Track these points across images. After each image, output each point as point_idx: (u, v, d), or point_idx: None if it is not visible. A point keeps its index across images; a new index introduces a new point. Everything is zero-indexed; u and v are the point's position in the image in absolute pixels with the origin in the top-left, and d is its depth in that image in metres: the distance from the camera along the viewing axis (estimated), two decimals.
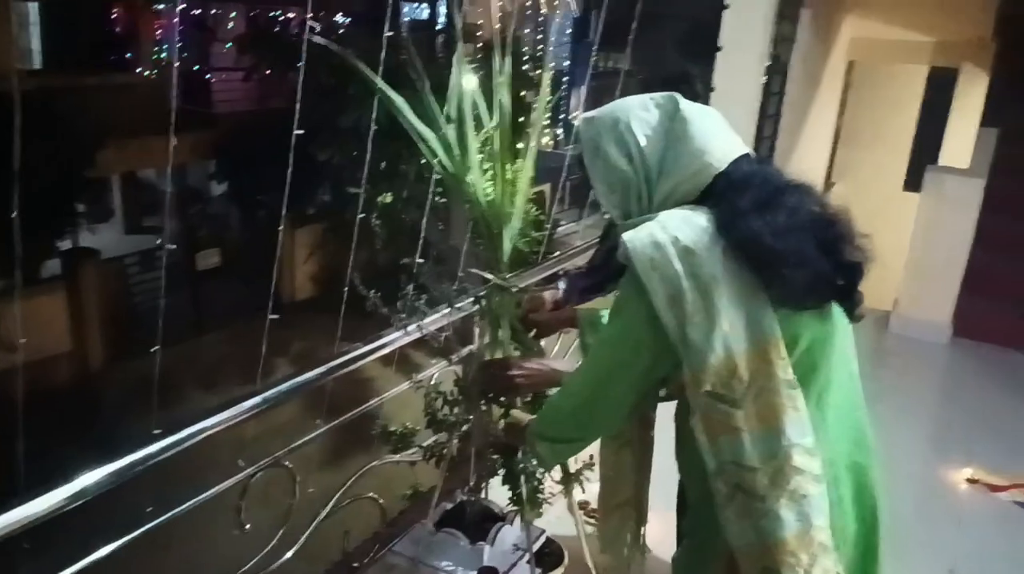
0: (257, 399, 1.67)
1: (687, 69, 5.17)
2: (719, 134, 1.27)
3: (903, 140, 8.52)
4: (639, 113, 1.29)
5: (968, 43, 6.65)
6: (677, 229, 1.18)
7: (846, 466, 1.27)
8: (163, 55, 11.68)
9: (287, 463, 1.82)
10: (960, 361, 4.67)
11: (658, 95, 1.30)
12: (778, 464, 1.17)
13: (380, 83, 1.69)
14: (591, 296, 2.22)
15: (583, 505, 2.45)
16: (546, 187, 6.45)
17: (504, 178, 1.74)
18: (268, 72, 10.15)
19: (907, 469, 3.36)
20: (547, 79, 1.98)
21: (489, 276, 1.76)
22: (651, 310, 1.18)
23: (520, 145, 1.84)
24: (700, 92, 4.87)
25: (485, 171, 1.76)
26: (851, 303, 1.26)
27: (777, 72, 5.28)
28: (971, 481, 3.36)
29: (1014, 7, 6.16)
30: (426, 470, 2.36)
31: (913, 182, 6.98)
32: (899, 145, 8.45)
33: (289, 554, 1.80)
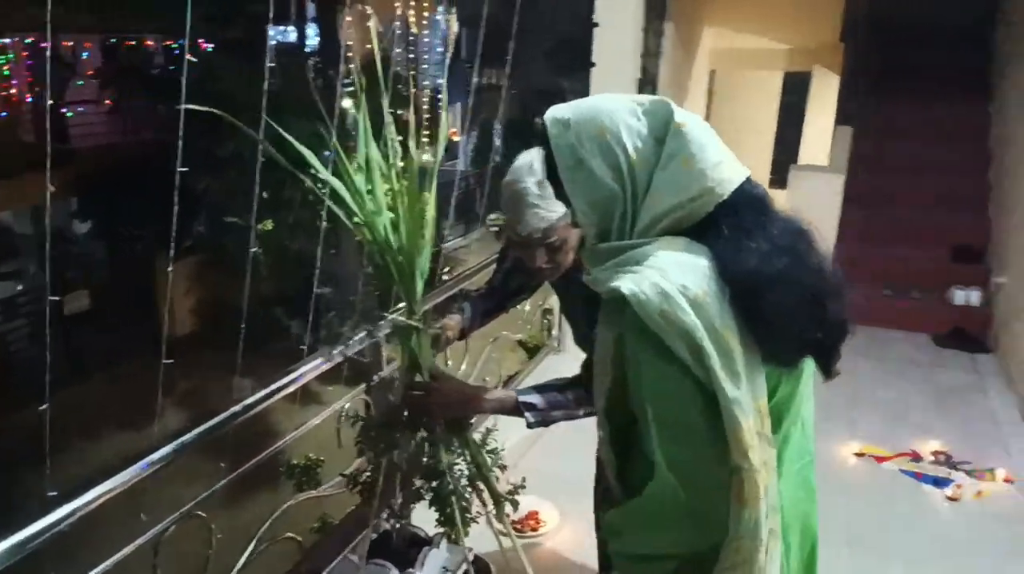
0: (166, 450, 1.59)
1: (564, 84, 5.30)
2: (718, 151, 1.09)
3: (766, 141, 9.07)
4: (628, 120, 1.09)
5: (818, 48, 7.17)
6: (681, 275, 1.03)
7: (795, 515, 1.22)
8: (13, 91, 10.95)
9: (200, 513, 1.74)
10: None
11: (645, 99, 1.12)
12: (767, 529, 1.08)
13: (310, 158, 1.64)
14: (495, 316, 2.25)
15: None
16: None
17: (412, 219, 1.70)
18: (131, 104, 9.71)
19: None
20: (445, 99, 1.96)
21: (406, 321, 1.75)
22: (675, 359, 1.03)
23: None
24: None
25: (392, 215, 1.74)
26: (829, 361, 1.14)
27: (648, 84, 5.51)
28: (859, 454, 3.60)
29: (859, 11, 6.68)
30: (335, 502, 2.33)
31: (778, 179, 7.45)
32: (762, 145, 8.99)
33: None
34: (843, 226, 5.44)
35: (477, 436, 2.13)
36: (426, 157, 1.99)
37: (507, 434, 3.29)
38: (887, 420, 3.93)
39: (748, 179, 1.11)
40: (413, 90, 2.69)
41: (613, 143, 1.08)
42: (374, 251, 1.74)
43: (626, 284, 1.04)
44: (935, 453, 3.60)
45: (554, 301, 4.16)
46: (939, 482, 3.37)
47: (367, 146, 1.67)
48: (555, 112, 1.14)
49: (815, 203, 4.92)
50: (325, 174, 1.62)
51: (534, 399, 1.75)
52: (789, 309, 1.05)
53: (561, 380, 1.87)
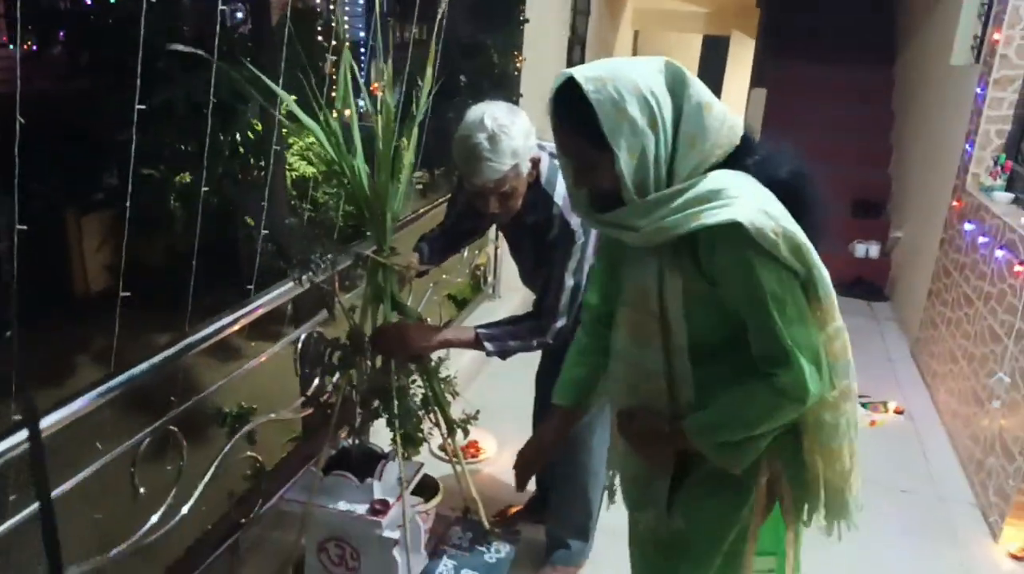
0: (122, 378, 1.67)
1: (492, 40, 5.39)
2: (713, 96, 1.28)
3: None
4: (656, 76, 1.21)
5: (736, 12, 7.45)
6: (761, 198, 1.22)
7: None
8: None
9: (173, 428, 1.87)
10: None
11: (655, 59, 1.25)
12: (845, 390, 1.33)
13: (280, 92, 1.75)
14: (449, 255, 2.40)
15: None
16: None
17: (388, 162, 1.81)
18: (34, 47, 9.22)
19: None
20: (389, 71, 1.99)
21: (376, 257, 1.89)
22: (784, 264, 1.22)
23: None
24: (508, 62, 5.13)
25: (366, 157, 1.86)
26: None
27: (577, 43, 5.68)
28: None
29: None
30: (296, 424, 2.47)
31: None
32: None
33: (185, 510, 1.85)
34: None
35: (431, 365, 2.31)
36: (348, 112, 2.06)
37: (443, 367, 3.49)
38: None
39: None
40: (348, 41, 2.76)
41: (648, 96, 1.19)
42: (347, 192, 1.87)
43: (736, 215, 1.17)
44: None
45: (487, 254, 4.34)
46: None
47: (347, 87, 1.78)
48: (583, 72, 1.21)
49: None
50: (305, 119, 1.73)
51: (493, 331, 1.94)
52: (818, 198, 1.31)
53: (513, 317, 2.07)
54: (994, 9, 3.88)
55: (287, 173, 5.81)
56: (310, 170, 6.13)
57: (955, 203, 3.97)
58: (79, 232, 8.54)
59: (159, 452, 1.85)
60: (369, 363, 2.02)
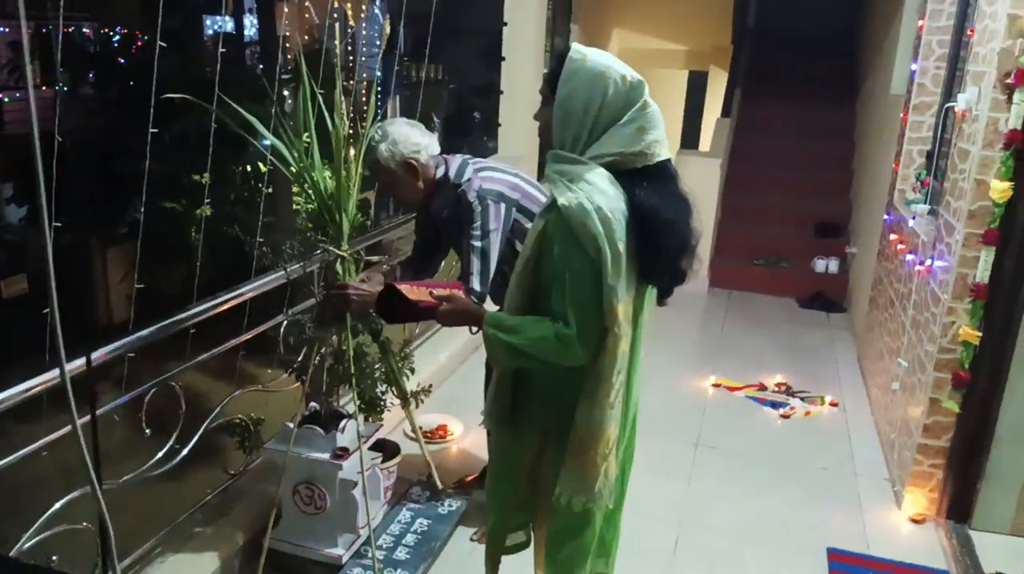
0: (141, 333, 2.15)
1: (488, 78, 5.92)
2: (660, 133, 1.60)
3: (673, 133, 9.89)
4: (616, 79, 1.56)
5: (713, 50, 7.97)
6: (601, 199, 1.52)
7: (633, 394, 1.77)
8: None
9: (174, 384, 2.32)
10: (713, 304, 5.78)
11: (634, 75, 1.59)
12: (620, 381, 1.63)
13: (249, 117, 2.23)
14: (423, 275, 2.81)
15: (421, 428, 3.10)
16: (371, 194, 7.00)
17: (343, 173, 2.28)
18: (65, 88, 9.87)
19: (668, 381, 4.31)
20: (374, 99, 2.50)
21: (333, 249, 2.35)
22: (584, 251, 1.53)
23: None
24: (493, 98, 5.63)
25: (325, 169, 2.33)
26: (668, 294, 1.73)
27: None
28: (715, 385, 4.34)
29: (745, 20, 7.52)
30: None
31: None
32: (670, 137, 9.78)
33: (185, 451, 2.30)
34: (724, 207, 6.23)
35: (395, 347, 2.76)
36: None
37: (424, 364, 3.94)
38: (744, 362, 4.68)
39: (669, 159, 1.64)
40: (349, 81, 3.27)
41: (598, 91, 1.55)
42: (310, 196, 2.34)
43: (562, 196, 1.54)
44: (778, 384, 4.36)
45: None
46: (776, 405, 4.13)
47: (307, 114, 2.25)
48: (579, 47, 1.61)
49: (696, 184, 5.59)
50: (270, 137, 2.21)
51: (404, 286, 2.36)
52: (673, 243, 1.60)
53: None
54: (919, 42, 4.35)
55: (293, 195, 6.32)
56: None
57: (885, 217, 4.40)
58: (104, 263, 9.08)
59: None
60: (335, 338, 2.47)
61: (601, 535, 1.89)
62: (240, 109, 2.21)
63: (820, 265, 5.95)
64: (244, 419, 2.65)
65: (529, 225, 2.42)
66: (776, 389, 4.32)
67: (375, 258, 2.70)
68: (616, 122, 1.58)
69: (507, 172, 2.50)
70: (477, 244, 2.34)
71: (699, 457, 3.56)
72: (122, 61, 9.00)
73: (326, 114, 2.29)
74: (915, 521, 3.12)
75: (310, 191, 2.30)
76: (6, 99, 10.85)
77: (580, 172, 1.57)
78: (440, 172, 2.45)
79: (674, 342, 4.93)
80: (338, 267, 2.37)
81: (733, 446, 3.67)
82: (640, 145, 1.57)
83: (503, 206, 2.38)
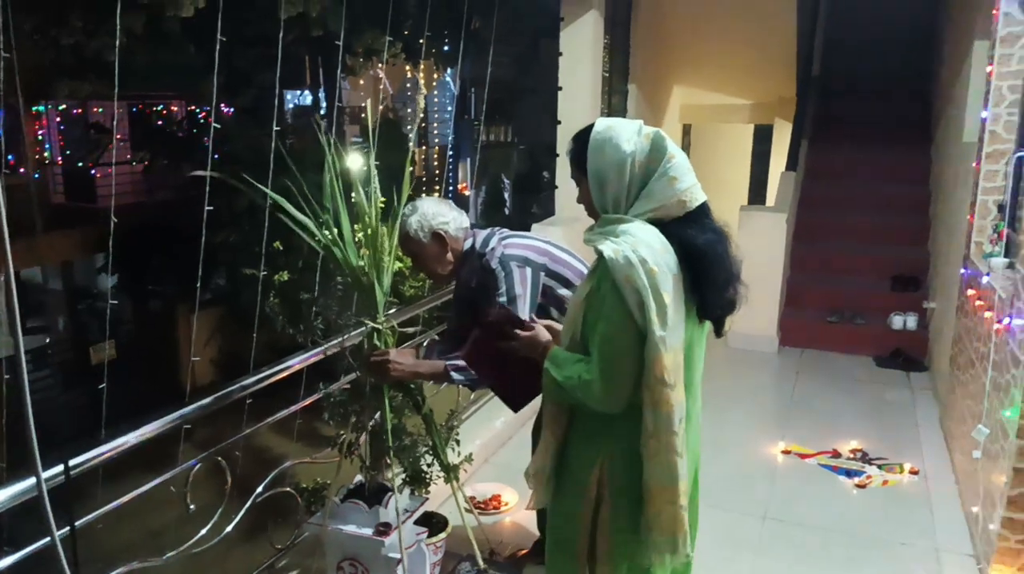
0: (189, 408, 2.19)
1: (537, 140, 6.02)
2: (691, 179, 1.66)
3: (740, 187, 9.74)
4: (634, 138, 1.65)
5: (777, 102, 7.86)
6: (646, 251, 1.56)
7: (693, 444, 1.77)
8: (46, 154, 11.86)
9: (220, 460, 2.34)
10: (784, 364, 5.56)
11: (649, 129, 1.67)
12: (682, 429, 1.63)
13: (266, 190, 2.29)
14: (452, 357, 2.80)
15: (470, 499, 3.05)
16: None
17: (376, 246, 2.30)
18: (151, 164, 10.49)
19: (734, 447, 4.13)
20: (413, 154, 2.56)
21: (368, 321, 2.37)
22: (626, 304, 1.57)
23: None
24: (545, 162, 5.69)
25: (357, 242, 2.36)
26: (721, 326, 1.76)
27: None
28: (785, 452, 4.13)
29: (810, 70, 7.40)
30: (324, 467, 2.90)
31: None
32: (737, 191, 9.65)
33: (229, 528, 2.31)
34: (793, 260, 6.05)
35: (441, 419, 2.74)
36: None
37: (480, 430, 3.90)
38: (817, 426, 4.45)
39: (705, 201, 1.69)
40: (415, 147, 3.34)
41: (625, 149, 1.64)
42: (346, 270, 2.37)
43: (608, 248, 1.59)
44: (853, 450, 4.13)
45: None
46: (851, 473, 3.90)
47: (335, 200, 2.28)
48: (601, 120, 1.71)
49: (763, 239, 5.50)
50: (295, 213, 2.25)
51: (460, 362, 2.33)
52: (723, 277, 1.66)
53: None
54: (989, 88, 4.17)
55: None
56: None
57: (962, 270, 4.17)
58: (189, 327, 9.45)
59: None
60: (377, 415, 2.46)
61: None
62: (265, 187, 2.27)
63: (898, 321, 5.67)
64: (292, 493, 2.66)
65: (562, 291, 2.40)
66: (851, 456, 4.09)
67: (411, 329, 2.70)
68: (650, 178, 1.64)
69: (535, 239, 2.50)
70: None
71: (767, 530, 3.37)
72: (204, 137, 9.46)
73: (357, 187, 2.32)
74: None
75: (340, 263, 2.32)
76: (97, 174, 11.57)
77: (624, 227, 1.62)
78: (468, 244, 2.48)
79: (741, 404, 4.75)
80: (375, 340, 2.37)
81: (805, 519, 3.46)
82: (677, 195, 1.63)
83: (529, 270, 2.37)
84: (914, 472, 3.90)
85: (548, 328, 1.86)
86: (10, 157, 11.72)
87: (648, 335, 1.57)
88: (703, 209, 1.68)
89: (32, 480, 1.46)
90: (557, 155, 5.19)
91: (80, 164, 11.73)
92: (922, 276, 6.01)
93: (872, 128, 6.90)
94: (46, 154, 11.95)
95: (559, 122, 5.17)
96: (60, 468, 1.32)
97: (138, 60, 7.44)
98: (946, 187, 5.57)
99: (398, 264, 2.70)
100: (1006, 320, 3.02)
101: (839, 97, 7.48)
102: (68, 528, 1.49)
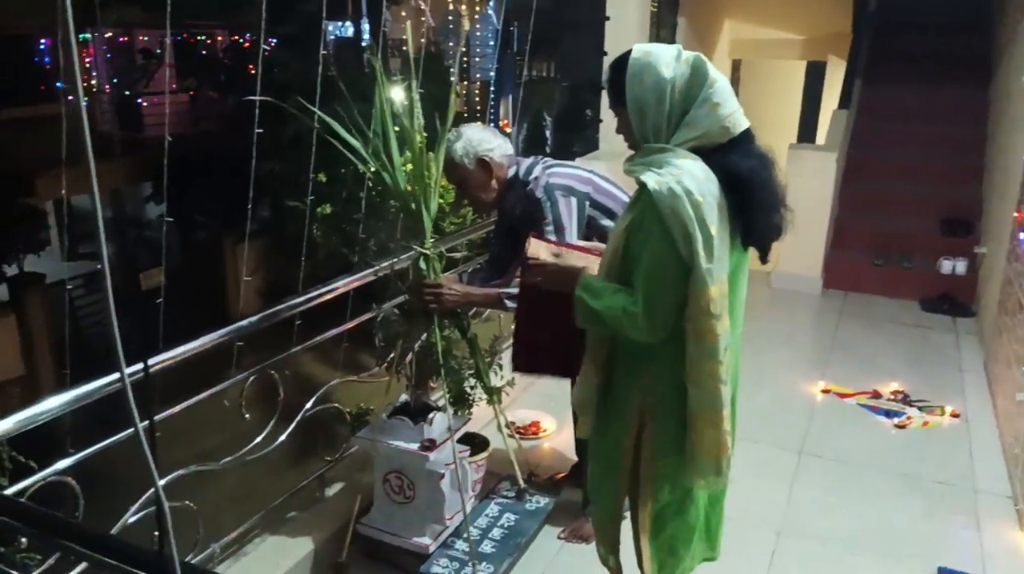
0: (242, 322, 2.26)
1: (600, 74, 5.93)
2: (734, 105, 1.61)
3: (790, 125, 9.50)
4: (673, 64, 1.59)
5: (831, 37, 7.59)
6: (691, 182, 1.53)
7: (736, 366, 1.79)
8: (92, 82, 11.98)
9: (272, 373, 2.43)
10: (827, 306, 5.51)
11: (689, 54, 1.62)
12: (728, 357, 1.64)
13: (319, 114, 2.31)
14: (491, 284, 2.84)
15: (510, 425, 3.13)
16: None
17: (423, 172, 2.32)
18: (196, 93, 10.55)
19: (774, 382, 4.15)
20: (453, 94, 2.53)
21: (416, 246, 2.40)
22: (670, 237, 1.56)
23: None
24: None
25: (405, 168, 2.37)
26: (767, 252, 1.73)
27: None
28: (824, 391, 4.14)
29: (866, 4, 7.13)
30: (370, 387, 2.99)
31: None
32: (787, 130, 9.42)
33: (283, 437, 2.41)
34: (842, 198, 5.93)
35: (485, 343, 2.79)
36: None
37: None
38: (859, 367, 4.43)
39: (748, 127, 1.65)
40: (454, 79, 3.32)
41: (665, 75, 1.59)
42: (395, 196, 2.39)
43: (652, 180, 1.56)
44: (894, 392, 4.11)
45: None
46: (891, 414, 3.89)
47: (386, 125, 2.29)
48: (639, 46, 1.65)
49: (811, 178, 5.39)
50: (347, 136, 2.27)
51: (512, 290, 2.38)
52: (769, 202, 1.64)
53: None
54: None
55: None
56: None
57: (1016, 214, 4.07)
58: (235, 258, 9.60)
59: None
60: (424, 335, 2.52)
61: (707, 518, 1.89)
62: (318, 111, 2.29)
63: (947, 266, 5.56)
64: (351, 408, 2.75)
65: (605, 222, 2.40)
66: (892, 397, 4.07)
67: (458, 255, 2.74)
68: (691, 104, 1.60)
69: (579, 168, 2.50)
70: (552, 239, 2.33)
71: (803, 464, 3.40)
72: (249, 65, 9.48)
73: (405, 114, 2.33)
74: None
75: (389, 187, 2.35)
76: (144, 103, 11.69)
77: (667, 158, 1.59)
78: (512, 172, 2.48)
79: (782, 344, 4.74)
80: (422, 264, 2.41)
81: (840, 455, 3.49)
82: (720, 121, 1.59)
83: (574, 200, 2.37)
84: (955, 415, 3.88)
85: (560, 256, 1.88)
86: (58, 84, 11.88)
87: (694, 268, 1.55)
88: (747, 135, 1.65)
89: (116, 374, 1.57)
90: (602, 89, 5.11)
91: (127, 92, 11.84)
92: (973, 219, 5.86)
93: (929, 66, 6.66)
94: (93, 82, 12.07)
95: (605, 53, 5.08)
96: (140, 366, 1.41)
97: None
98: (1004, 128, 5.38)
99: (440, 200, 2.73)
100: None
101: (896, 33, 7.20)
102: (147, 421, 1.59)
